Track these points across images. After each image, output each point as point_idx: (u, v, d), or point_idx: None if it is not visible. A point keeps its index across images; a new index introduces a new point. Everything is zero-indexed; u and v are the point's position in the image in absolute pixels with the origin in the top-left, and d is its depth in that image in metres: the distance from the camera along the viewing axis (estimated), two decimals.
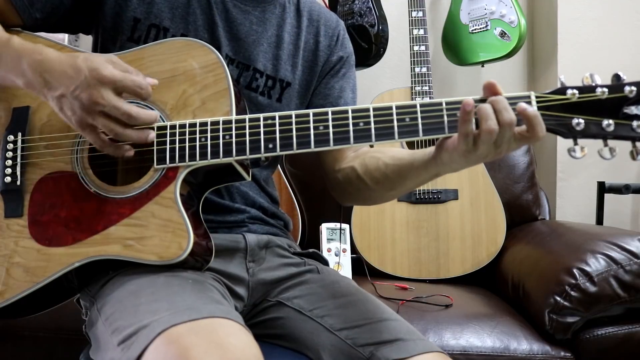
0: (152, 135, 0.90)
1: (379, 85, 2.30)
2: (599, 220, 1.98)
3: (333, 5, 2.12)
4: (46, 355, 1.37)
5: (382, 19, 2.04)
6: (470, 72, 2.26)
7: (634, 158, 0.82)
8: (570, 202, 2.17)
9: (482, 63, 2.06)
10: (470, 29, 2.06)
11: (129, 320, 0.80)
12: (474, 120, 0.82)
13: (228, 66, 1.06)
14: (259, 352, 0.77)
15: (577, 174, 2.16)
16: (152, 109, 0.94)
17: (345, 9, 2.08)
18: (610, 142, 0.82)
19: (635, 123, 0.80)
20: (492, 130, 0.81)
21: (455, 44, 2.12)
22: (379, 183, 1.04)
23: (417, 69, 1.90)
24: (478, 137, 0.82)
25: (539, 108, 0.82)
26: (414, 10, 1.95)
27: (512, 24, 1.97)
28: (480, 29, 2.04)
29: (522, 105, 0.81)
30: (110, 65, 0.86)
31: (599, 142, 0.84)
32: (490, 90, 0.83)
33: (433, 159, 0.91)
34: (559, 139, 2.38)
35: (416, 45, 1.92)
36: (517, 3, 1.99)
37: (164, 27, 1.05)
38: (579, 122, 0.81)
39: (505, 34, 1.99)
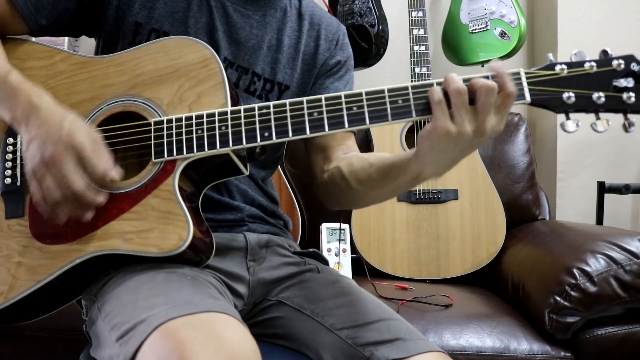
0: (88, 217, 0.89)
1: (379, 85, 2.29)
2: (599, 220, 1.98)
3: (333, 6, 2.12)
4: (46, 355, 1.37)
5: (382, 19, 2.04)
6: (470, 72, 2.25)
7: (626, 130, 0.84)
8: (570, 202, 2.17)
9: (482, 63, 2.06)
10: (470, 29, 2.06)
11: (127, 315, 0.81)
12: (440, 91, 0.83)
13: (227, 69, 1.07)
14: (255, 345, 0.77)
15: (577, 174, 2.16)
16: (148, 111, 0.94)
17: (345, 9, 2.08)
18: (603, 115, 0.84)
19: (625, 95, 0.82)
20: (460, 89, 0.82)
21: (455, 44, 2.12)
22: (362, 183, 1.03)
23: (417, 69, 1.91)
24: (451, 104, 0.83)
25: (529, 84, 0.85)
26: (414, 10, 1.95)
27: (512, 24, 1.97)
28: (480, 29, 2.04)
29: (492, 63, 0.86)
30: (89, 137, 0.88)
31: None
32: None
33: (414, 155, 0.90)
34: (559, 140, 2.39)
35: (416, 45, 1.92)
36: (517, 3, 1.99)
37: (164, 31, 1.05)
38: (569, 95, 0.83)
39: (505, 34, 1.99)
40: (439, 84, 0.85)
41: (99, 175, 0.87)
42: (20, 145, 0.98)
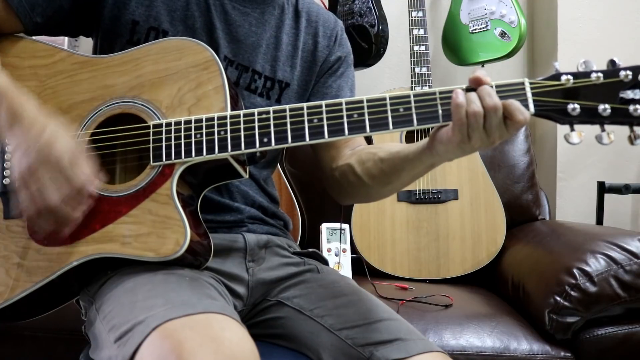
0: (65, 232, 0.89)
1: (379, 85, 2.30)
2: (599, 220, 1.98)
3: (333, 6, 2.12)
4: (46, 355, 1.37)
5: (382, 19, 2.03)
6: (470, 72, 2.25)
7: (632, 143, 0.81)
8: (570, 202, 2.17)
9: (482, 63, 2.06)
10: (470, 29, 2.06)
11: (125, 317, 0.81)
12: (465, 110, 0.82)
13: (227, 68, 1.07)
14: (253, 346, 0.77)
15: (577, 174, 2.16)
16: (147, 113, 0.94)
17: (345, 9, 2.08)
18: (608, 128, 0.82)
19: (632, 107, 0.80)
20: (476, 112, 0.82)
21: (455, 44, 2.12)
22: (375, 178, 1.04)
23: (417, 69, 1.90)
24: (468, 125, 0.83)
25: (534, 94, 0.83)
26: (414, 10, 1.95)
27: (512, 24, 1.97)
28: (481, 29, 2.04)
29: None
30: (68, 147, 0.85)
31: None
32: (477, 83, 0.85)
33: (428, 150, 0.91)
34: (559, 140, 2.38)
35: (416, 45, 1.91)
36: (517, 3, 1.99)
37: (163, 29, 1.05)
38: (574, 107, 0.81)
39: (505, 34, 1.98)
40: (441, 92, 0.85)
41: (77, 188, 0.85)
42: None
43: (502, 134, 0.84)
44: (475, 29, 2.05)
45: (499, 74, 2.29)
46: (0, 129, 0.89)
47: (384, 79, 2.32)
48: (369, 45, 2.02)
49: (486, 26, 2.02)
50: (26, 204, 0.86)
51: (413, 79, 1.90)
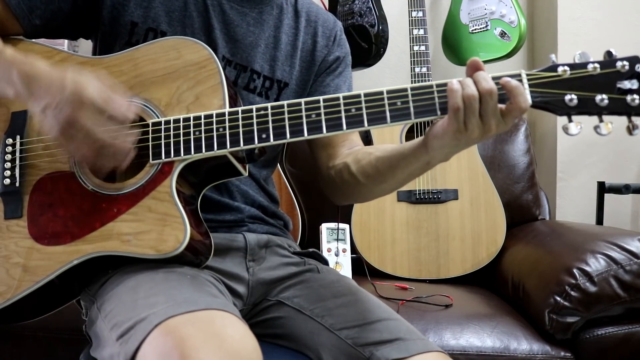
0: (125, 164, 0.91)
1: (379, 85, 2.25)
2: (599, 220, 1.98)
3: (333, 6, 2.12)
4: (46, 355, 1.37)
5: (382, 19, 2.04)
6: None
7: (630, 133, 0.82)
8: (570, 202, 2.17)
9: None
10: (470, 29, 2.06)
11: (127, 314, 0.81)
12: (461, 95, 0.82)
13: (225, 68, 1.07)
14: (255, 342, 0.77)
15: (577, 174, 2.16)
16: (146, 111, 0.95)
17: (345, 9, 2.08)
18: (606, 118, 0.82)
19: (629, 97, 0.80)
20: (471, 95, 0.82)
21: (455, 44, 2.12)
22: (370, 177, 1.04)
23: (417, 69, 1.90)
24: (465, 109, 0.83)
25: (531, 86, 0.83)
26: (414, 10, 1.95)
27: (512, 24, 1.97)
28: (480, 29, 2.04)
29: (505, 78, 0.83)
30: (95, 87, 0.86)
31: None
32: (474, 67, 0.85)
33: (423, 146, 0.91)
34: (559, 140, 2.37)
35: (416, 45, 1.92)
36: (517, 3, 1.99)
37: (161, 30, 1.05)
38: (572, 98, 0.82)
39: (505, 34, 1.98)
40: (438, 85, 0.85)
41: (120, 119, 0.87)
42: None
43: (499, 122, 0.84)
44: (475, 29, 2.05)
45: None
46: (21, 96, 0.89)
47: (384, 79, 2.32)
48: (369, 45, 2.02)
49: (486, 26, 2.02)
50: (79, 155, 0.88)
51: (413, 79, 1.90)
